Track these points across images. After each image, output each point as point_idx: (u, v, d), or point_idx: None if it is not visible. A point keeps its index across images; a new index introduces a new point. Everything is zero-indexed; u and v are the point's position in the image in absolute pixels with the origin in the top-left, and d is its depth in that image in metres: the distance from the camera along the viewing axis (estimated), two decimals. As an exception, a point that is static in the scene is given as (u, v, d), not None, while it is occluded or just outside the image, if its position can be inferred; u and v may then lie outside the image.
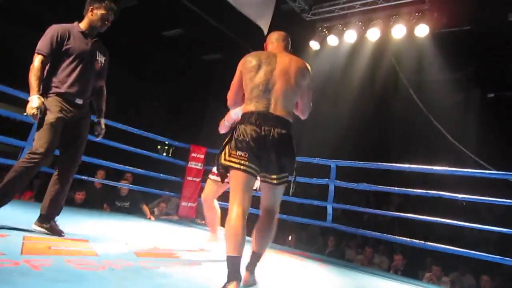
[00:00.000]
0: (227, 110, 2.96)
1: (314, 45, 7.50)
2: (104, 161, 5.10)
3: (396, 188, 4.69)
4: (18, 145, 4.62)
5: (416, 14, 6.43)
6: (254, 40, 8.13)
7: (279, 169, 2.12)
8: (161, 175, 5.81)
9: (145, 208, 5.67)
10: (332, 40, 7.29)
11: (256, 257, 2.16)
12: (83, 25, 2.84)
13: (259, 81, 2.12)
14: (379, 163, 5.13)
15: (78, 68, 2.73)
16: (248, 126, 2.05)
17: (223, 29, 8.11)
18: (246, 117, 2.09)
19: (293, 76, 2.16)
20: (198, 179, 6.16)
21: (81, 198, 5.52)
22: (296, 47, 8.56)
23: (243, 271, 2.01)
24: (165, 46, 10.08)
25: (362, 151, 9.15)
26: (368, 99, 9.44)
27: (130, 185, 5.79)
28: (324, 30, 7.38)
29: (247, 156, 2.03)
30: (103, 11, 2.83)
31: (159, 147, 15.14)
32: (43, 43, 2.66)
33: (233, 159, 2.07)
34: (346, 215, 8.12)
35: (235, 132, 2.10)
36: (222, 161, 2.12)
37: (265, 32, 6.79)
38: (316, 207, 5.93)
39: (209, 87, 10.91)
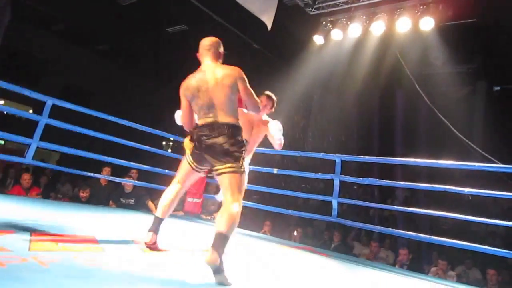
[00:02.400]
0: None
1: (318, 39, 7.46)
2: (110, 158, 5.12)
3: (401, 183, 4.68)
4: (25, 142, 4.65)
5: (421, 7, 6.37)
6: (257, 35, 8.16)
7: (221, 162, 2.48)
8: (166, 171, 5.82)
9: (150, 204, 5.69)
10: (336, 34, 7.25)
11: (217, 236, 2.24)
12: None
13: (201, 103, 2.52)
14: (384, 158, 5.12)
15: None
16: (194, 134, 2.54)
17: (228, 25, 8.10)
18: (197, 128, 2.54)
19: (225, 85, 2.51)
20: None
21: (85, 196, 5.55)
22: (300, 42, 8.53)
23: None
24: (169, 43, 10.09)
25: (367, 145, 9.13)
26: (373, 93, 9.40)
27: (135, 181, 5.80)
28: (328, 24, 7.34)
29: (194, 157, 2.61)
30: None
31: (164, 143, 15.20)
32: None
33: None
34: (351, 210, 8.11)
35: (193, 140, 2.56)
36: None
37: (269, 27, 6.77)
38: (321, 202, 5.93)
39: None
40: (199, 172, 2.73)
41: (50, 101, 4.77)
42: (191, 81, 2.60)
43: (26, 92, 4.52)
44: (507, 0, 6.40)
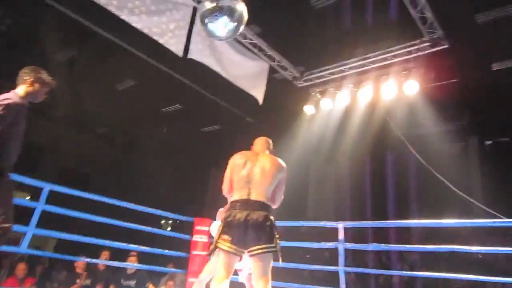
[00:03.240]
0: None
1: (308, 109, 7.73)
2: (108, 241, 5.00)
3: (408, 246, 4.57)
4: (20, 231, 4.56)
5: (404, 72, 6.71)
6: (250, 109, 8.45)
7: (258, 242, 2.57)
8: (166, 251, 5.67)
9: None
10: (325, 103, 7.53)
11: None
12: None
13: (243, 175, 2.74)
14: (387, 221, 5.05)
15: None
16: (233, 211, 2.63)
17: (219, 101, 8.40)
18: (232, 204, 2.68)
19: (269, 172, 2.77)
20: (204, 253, 6.00)
21: (81, 283, 5.35)
22: (291, 113, 8.81)
23: None
24: (164, 121, 10.38)
25: (364, 208, 9.01)
26: (364, 157, 9.51)
27: (136, 265, 5.62)
28: (317, 94, 7.65)
29: (229, 238, 2.59)
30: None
31: (162, 222, 14.93)
32: None
33: (220, 242, 2.61)
34: (361, 279, 7.78)
35: (225, 216, 2.65)
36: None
37: (260, 101, 7.02)
38: (328, 272, 5.71)
39: (209, 158, 11.04)
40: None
41: (47, 187, 4.77)
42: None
43: (24, 179, 4.53)
44: (485, 58, 6.75)
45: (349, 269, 5.03)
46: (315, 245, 5.04)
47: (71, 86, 9.10)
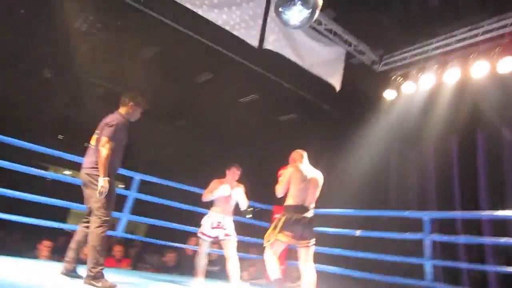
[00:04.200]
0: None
1: (389, 94, 7.36)
2: (192, 228, 5.28)
3: (504, 239, 4.18)
4: (116, 216, 5.00)
5: (498, 48, 6.06)
6: (327, 97, 8.28)
7: (311, 237, 3.64)
8: (246, 238, 5.84)
9: (244, 273, 5.65)
10: (407, 87, 7.11)
11: None
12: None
13: (301, 187, 3.61)
14: (479, 212, 4.66)
15: None
16: (292, 214, 3.54)
17: (296, 89, 8.36)
18: (291, 208, 3.58)
19: (319, 186, 3.76)
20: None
21: (170, 260, 5.70)
22: (370, 99, 8.47)
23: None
24: (242, 111, 10.60)
25: (452, 197, 8.39)
26: (451, 140, 8.81)
27: (219, 250, 5.86)
28: (399, 78, 7.25)
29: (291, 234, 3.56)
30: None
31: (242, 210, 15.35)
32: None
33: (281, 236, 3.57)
34: (450, 272, 7.27)
35: (286, 217, 3.55)
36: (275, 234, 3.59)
37: (337, 88, 6.85)
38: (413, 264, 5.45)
39: (287, 146, 11.05)
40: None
41: (138, 177, 5.19)
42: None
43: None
44: None
45: (437, 262, 4.75)
46: (398, 236, 4.83)
47: (154, 82, 9.69)
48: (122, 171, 5.09)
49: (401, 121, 7.97)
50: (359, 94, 8.21)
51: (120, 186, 11.27)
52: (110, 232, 5.49)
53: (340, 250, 5.51)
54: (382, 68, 7.40)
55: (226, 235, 4.38)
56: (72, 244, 3.29)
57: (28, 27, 7.06)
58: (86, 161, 3.31)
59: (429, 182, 8.62)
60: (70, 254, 3.26)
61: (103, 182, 3.11)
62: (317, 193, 3.68)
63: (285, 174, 3.66)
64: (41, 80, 9.36)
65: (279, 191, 3.71)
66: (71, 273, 3.20)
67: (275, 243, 3.56)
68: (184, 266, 5.83)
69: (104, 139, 3.15)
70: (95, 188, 3.13)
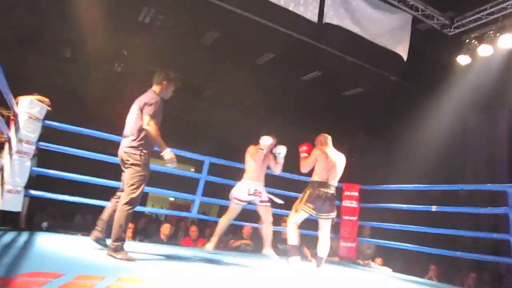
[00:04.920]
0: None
1: (463, 59, 6.82)
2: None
3: None
4: (190, 198, 5.24)
5: None
6: (394, 67, 7.89)
7: (331, 210, 4.11)
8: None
9: (306, 251, 5.72)
10: (484, 49, 6.52)
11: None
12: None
13: (325, 166, 4.05)
14: None
15: None
16: (316, 189, 3.99)
17: (360, 62, 8.07)
18: (316, 183, 4.03)
19: (342, 167, 4.19)
20: (354, 218, 6.00)
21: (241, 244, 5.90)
22: (442, 66, 7.89)
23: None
24: (305, 90, 10.50)
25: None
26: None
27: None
28: (473, 41, 6.68)
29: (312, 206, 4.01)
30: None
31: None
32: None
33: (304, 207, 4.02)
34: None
35: (311, 191, 4.00)
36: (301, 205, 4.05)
37: (405, 58, 6.49)
38: (495, 240, 5.12)
39: (354, 122, 10.76)
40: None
41: (207, 160, 5.39)
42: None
43: (188, 154, 5.24)
44: None
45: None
46: (479, 210, 4.54)
47: (216, 66, 9.87)
48: (193, 155, 5.36)
49: (478, 88, 7.38)
50: (428, 62, 7.70)
51: (191, 170, 11.80)
52: (185, 214, 5.80)
53: (416, 227, 5.31)
54: (454, 32, 6.85)
55: (262, 201, 4.65)
56: (104, 215, 3.49)
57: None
58: (124, 140, 3.39)
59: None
60: (100, 224, 3.47)
61: (168, 156, 3.25)
62: (339, 173, 4.11)
63: (312, 155, 4.09)
64: (112, 74, 10.07)
65: (304, 168, 4.16)
66: (100, 241, 3.44)
67: (299, 212, 3.99)
68: (257, 244, 5.98)
69: (146, 117, 3.21)
70: (130, 166, 3.25)
